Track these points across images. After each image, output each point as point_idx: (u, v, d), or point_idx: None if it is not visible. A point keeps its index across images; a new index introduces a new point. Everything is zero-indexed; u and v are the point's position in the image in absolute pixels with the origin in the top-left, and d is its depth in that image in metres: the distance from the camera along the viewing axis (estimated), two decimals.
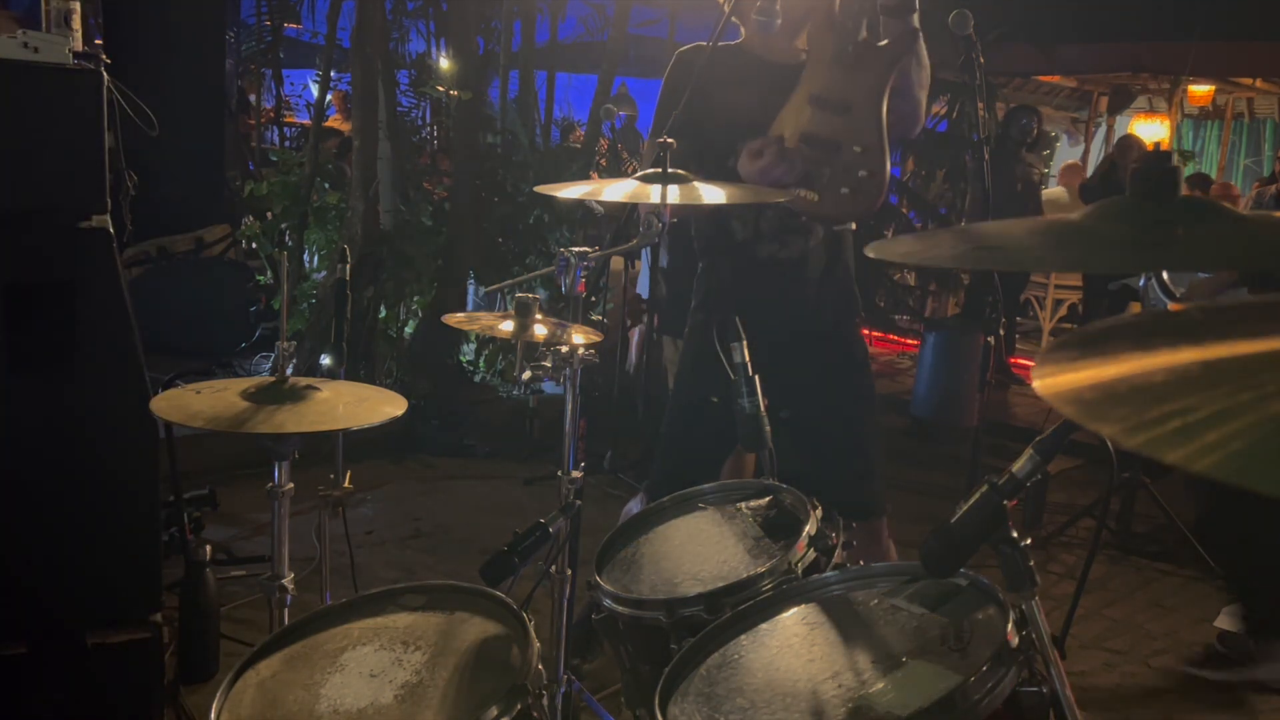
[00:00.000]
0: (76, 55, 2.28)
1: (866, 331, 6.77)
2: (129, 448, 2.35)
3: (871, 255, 1.12)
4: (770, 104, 2.29)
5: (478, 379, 5.69)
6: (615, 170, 6.37)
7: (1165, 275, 2.87)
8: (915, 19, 2.20)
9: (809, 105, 2.20)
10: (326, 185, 5.84)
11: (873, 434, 2.46)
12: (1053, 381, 0.65)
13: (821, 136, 2.18)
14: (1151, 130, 9.94)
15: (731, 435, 2.00)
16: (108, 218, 2.29)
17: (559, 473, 1.96)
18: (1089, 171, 8.67)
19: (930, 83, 2.36)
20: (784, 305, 2.41)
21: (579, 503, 1.93)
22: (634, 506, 2.70)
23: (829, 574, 1.58)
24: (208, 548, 2.83)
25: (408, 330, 5.65)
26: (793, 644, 1.43)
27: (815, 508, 1.75)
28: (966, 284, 7.06)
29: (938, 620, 1.36)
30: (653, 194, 1.80)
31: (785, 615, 1.51)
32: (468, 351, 5.78)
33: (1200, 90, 10.07)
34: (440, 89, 5.73)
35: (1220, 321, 0.72)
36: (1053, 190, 9.05)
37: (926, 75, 2.33)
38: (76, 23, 2.36)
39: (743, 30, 2.46)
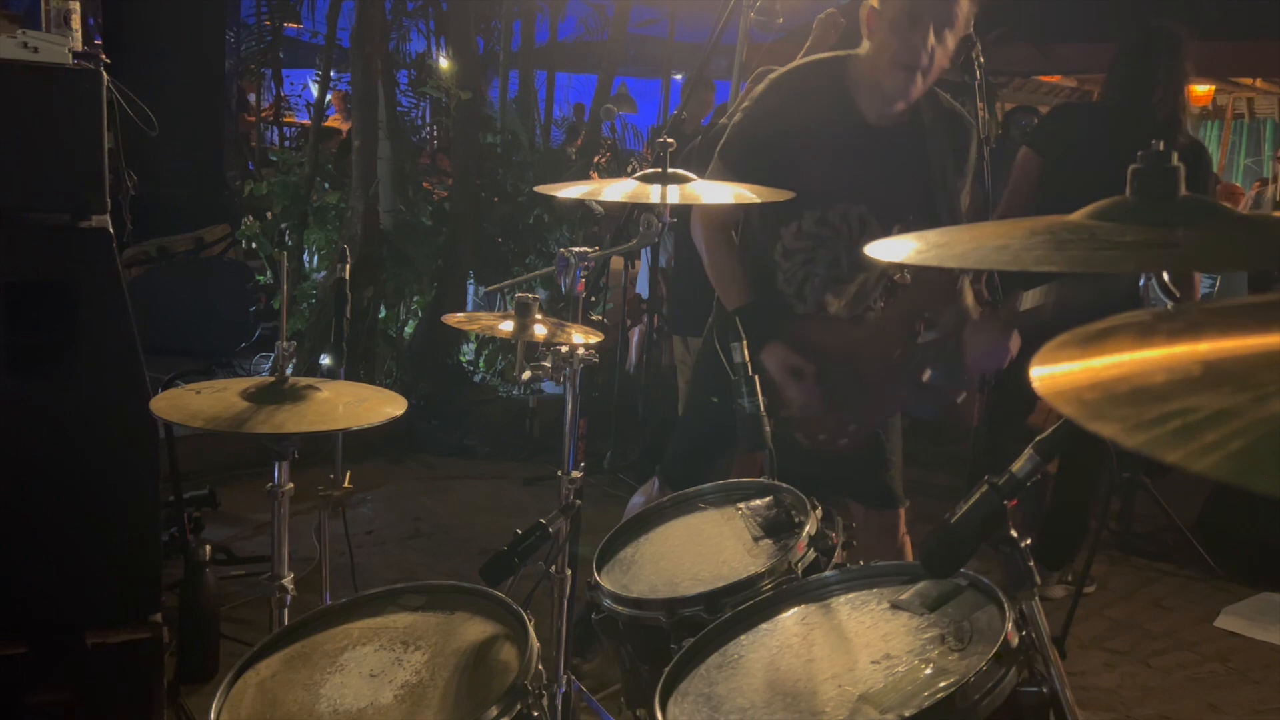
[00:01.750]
0: (76, 55, 2.28)
1: None
2: (129, 448, 2.35)
3: (871, 255, 1.12)
4: (850, 174, 2.21)
5: (478, 379, 5.70)
6: (616, 170, 6.37)
7: (1165, 275, 2.87)
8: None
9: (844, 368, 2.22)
10: (326, 185, 5.84)
11: (891, 424, 2.46)
12: (1053, 381, 0.65)
13: (844, 401, 2.22)
14: None
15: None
16: (108, 218, 2.29)
17: (559, 473, 1.96)
18: None
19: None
20: None
21: (579, 503, 1.93)
22: (639, 499, 2.69)
23: (829, 574, 1.58)
24: (208, 548, 2.84)
25: (408, 330, 5.65)
26: (793, 644, 1.43)
27: (815, 508, 1.75)
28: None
29: (938, 620, 1.36)
30: (652, 194, 1.80)
31: (785, 615, 1.51)
32: (468, 351, 5.78)
33: (1200, 90, 10.06)
34: (441, 87, 5.73)
35: (1220, 321, 0.72)
36: None
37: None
38: (76, 23, 2.37)
39: (865, 49, 2.17)
